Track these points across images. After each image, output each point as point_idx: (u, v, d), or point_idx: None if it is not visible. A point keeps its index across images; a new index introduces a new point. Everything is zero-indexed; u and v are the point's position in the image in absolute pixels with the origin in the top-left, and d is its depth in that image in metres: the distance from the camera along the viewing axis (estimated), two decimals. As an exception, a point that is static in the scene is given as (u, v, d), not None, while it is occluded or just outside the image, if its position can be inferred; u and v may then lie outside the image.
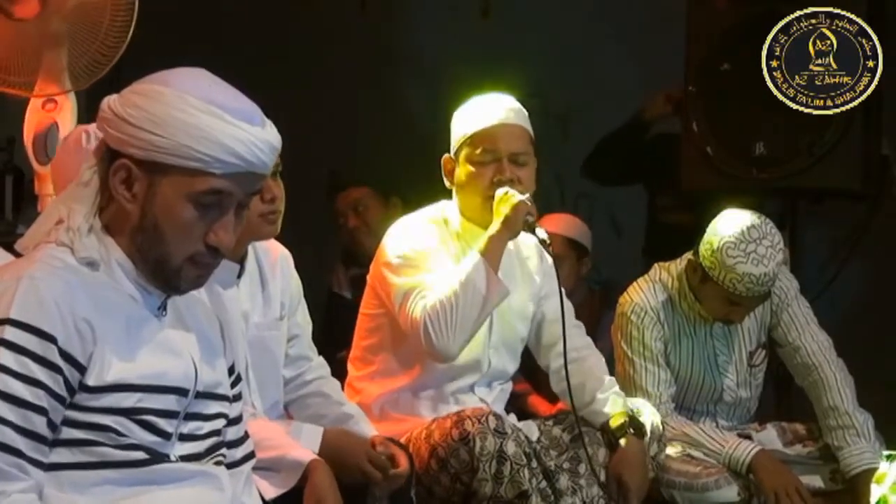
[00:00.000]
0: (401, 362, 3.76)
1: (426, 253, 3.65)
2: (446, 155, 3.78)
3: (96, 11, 3.84)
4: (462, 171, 3.73)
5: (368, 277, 3.81)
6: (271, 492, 3.15)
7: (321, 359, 3.66)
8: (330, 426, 3.50)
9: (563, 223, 5.15)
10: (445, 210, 3.79)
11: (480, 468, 3.48)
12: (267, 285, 3.48)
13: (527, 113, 3.78)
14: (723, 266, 3.94)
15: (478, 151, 3.69)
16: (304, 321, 3.62)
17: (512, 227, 3.61)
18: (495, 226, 3.61)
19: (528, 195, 3.64)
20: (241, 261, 3.41)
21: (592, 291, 5.20)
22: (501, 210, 3.61)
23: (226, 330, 2.62)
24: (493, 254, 3.59)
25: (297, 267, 3.59)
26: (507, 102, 3.76)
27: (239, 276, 3.40)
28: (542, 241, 3.65)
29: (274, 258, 3.53)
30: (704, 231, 4.04)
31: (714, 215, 4.09)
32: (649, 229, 5.79)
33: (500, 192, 3.63)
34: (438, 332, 3.52)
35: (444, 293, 3.54)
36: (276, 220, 3.36)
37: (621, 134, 5.69)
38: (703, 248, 4.01)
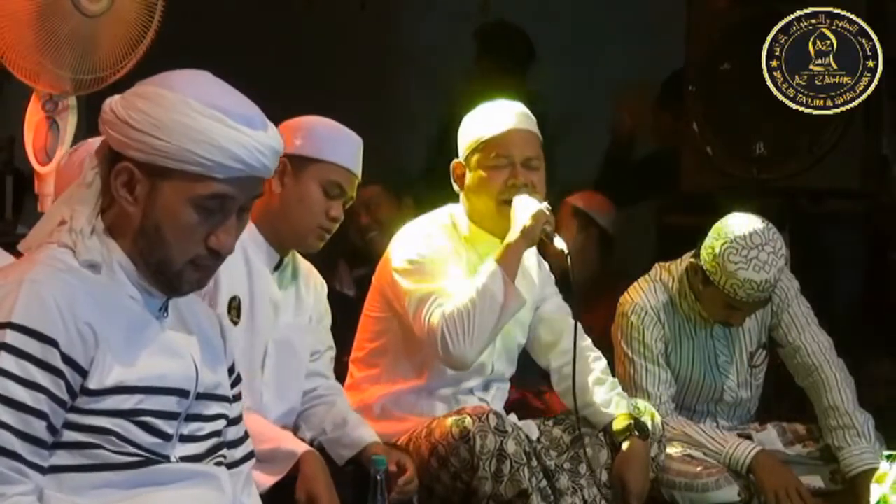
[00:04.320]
0: (407, 365, 3.76)
1: (438, 258, 3.65)
2: (456, 160, 3.78)
3: (148, 11, 3.85)
4: (474, 175, 3.72)
5: (374, 279, 3.81)
6: (265, 481, 3.18)
7: (338, 384, 3.70)
8: (330, 431, 3.53)
9: (577, 195, 5.31)
10: (454, 215, 3.79)
11: (481, 466, 3.49)
12: (301, 292, 3.55)
13: (535, 118, 3.79)
14: (724, 271, 3.94)
15: (491, 156, 3.69)
16: (327, 342, 3.68)
17: (530, 236, 3.60)
18: (513, 234, 3.60)
19: (545, 204, 3.64)
20: (282, 257, 3.50)
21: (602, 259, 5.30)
22: (520, 218, 3.60)
23: (225, 329, 2.63)
24: (510, 263, 3.58)
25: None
26: (517, 108, 3.77)
27: (276, 269, 3.49)
28: (560, 252, 3.64)
29: (311, 278, 3.63)
30: (706, 233, 4.04)
31: (714, 215, 4.09)
32: (657, 232, 5.83)
33: (516, 200, 3.63)
34: (456, 340, 3.52)
35: (462, 301, 3.54)
36: (324, 240, 3.54)
37: (607, 161, 5.93)
38: (705, 251, 4.01)
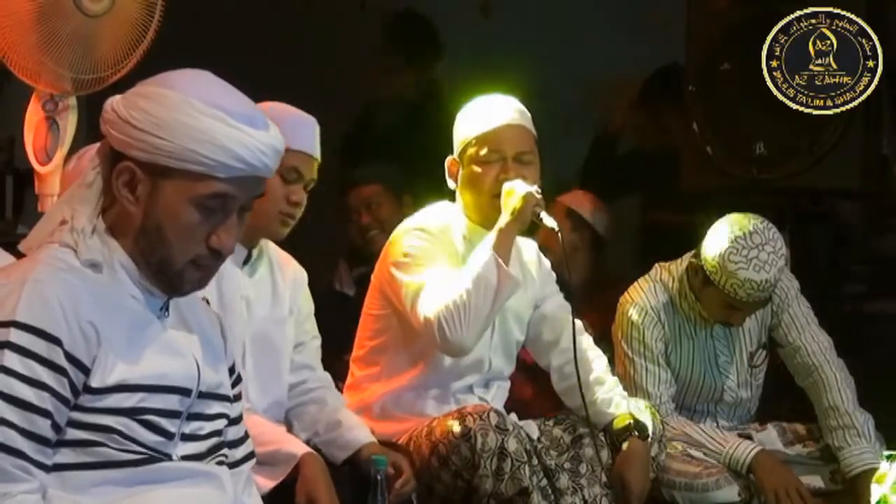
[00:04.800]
0: (406, 362, 3.77)
1: (434, 251, 3.66)
2: (450, 157, 3.79)
3: (148, 11, 3.85)
4: (467, 171, 3.74)
5: (373, 277, 3.82)
6: (266, 484, 3.18)
7: (326, 374, 3.69)
8: (323, 433, 3.52)
9: (568, 196, 5.22)
10: (449, 211, 3.80)
11: (482, 464, 3.49)
12: (277, 285, 3.54)
13: (529, 114, 3.79)
14: (724, 271, 3.94)
15: (483, 152, 3.70)
16: (312, 332, 3.67)
17: (521, 218, 3.61)
18: (504, 218, 3.61)
19: (535, 186, 3.65)
20: (250, 250, 3.47)
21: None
22: (510, 202, 3.61)
23: (226, 329, 2.63)
24: (503, 246, 3.59)
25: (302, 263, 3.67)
26: (510, 103, 3.78)
27: (246, 263, 3.48)
28: (551, 230, 3.65)
29: (289, 269, 3.62)
30: (705, 233, 4.04)
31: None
32: (643, 230, 5.84)
33: (507, 185, 3.64)
34: (452, 326, 3.52)
35: (456, 288, 3.54)
36: (289, 225, 3.51)
37: (593, 154, 5.92)
38: (705, 251, 4.01)
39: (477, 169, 3.72)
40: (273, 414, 3.55)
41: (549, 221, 3.63)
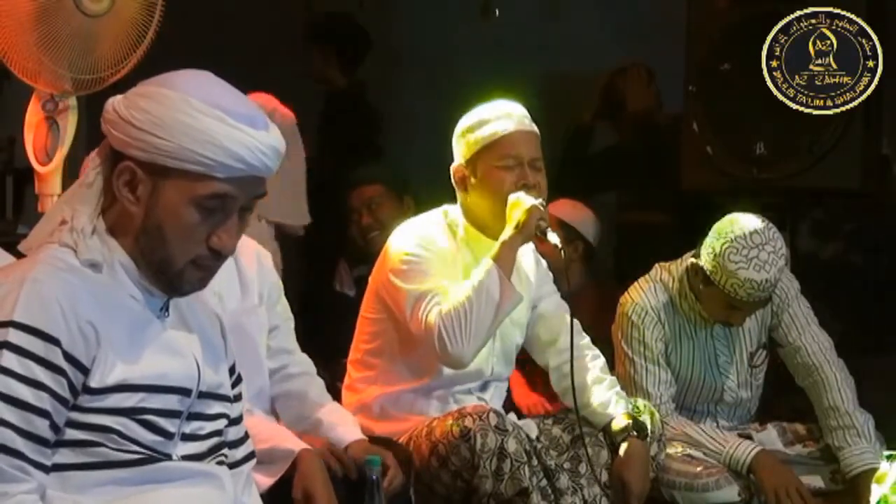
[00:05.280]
0: (403, 367, 3.75)
1: (434, 259, 3.64)
2: (456, 163, 3.75)
3: (148, 11, 3.85)
4: (481, 177, 3.69)
5: (370, 280, 3.81)
6: (264, 481, 3.17)
7: (305, 356, 3.67)
8: (310, 428, 3.52)
9: (558, 206, 5.21)
10: (449, 216, 3.78)
11: (481, 465, 3.49)
12: (243, 273, 3.51)
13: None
14: (724, 270, 3.94)
15: (500, 157, 3.67)
16: (284, 314, 3.63)
17: (525, 232, 3.59)
18: (508, 231, 3.60)
19: (540, 200, 3.63)
20: None
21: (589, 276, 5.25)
22: (514, 215, 3.60)
23: (226, 329, 2.63)
24: (506, 260, 3.58)
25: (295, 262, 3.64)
26: (520, 109, 3.74)
27: None
28: (554, 247, 3.63)
29: (249, 252, 3.56)
30: (706, 233, 4.04)
31: (713, 216, 4.09)
32: (618, 228, 5.85)
33: (512, 197, 3.62)
34: (453, 338, 3.52)
35: (458, 299, 3.53)
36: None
37: (571, 147, 5.91)
38: (705, 251, 4.01)
39: (494, 174, 3.67)
40: (259, 404, 3.53)
41: (552, 238, 3.61)
